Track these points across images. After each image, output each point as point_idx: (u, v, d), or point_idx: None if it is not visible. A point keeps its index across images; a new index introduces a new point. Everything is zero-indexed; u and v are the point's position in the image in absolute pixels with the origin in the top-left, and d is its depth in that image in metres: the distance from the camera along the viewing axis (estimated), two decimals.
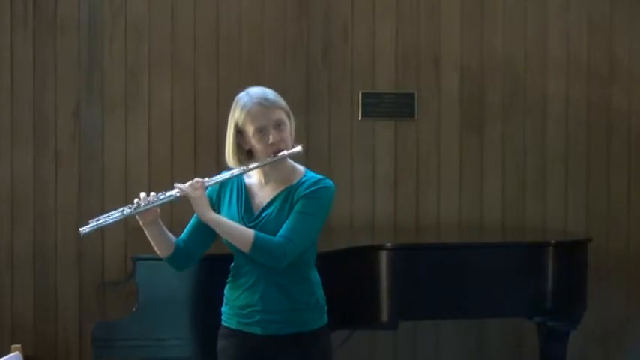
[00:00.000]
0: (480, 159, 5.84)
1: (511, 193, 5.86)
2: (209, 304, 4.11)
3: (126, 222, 5.36)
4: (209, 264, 4.08)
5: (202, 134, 5.58)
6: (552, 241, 4.77)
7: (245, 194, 3.29)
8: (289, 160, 3.30)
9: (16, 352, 3.83)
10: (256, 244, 3.13)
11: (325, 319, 3.31)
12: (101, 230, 5.37)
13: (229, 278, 3.34)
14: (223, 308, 3.34)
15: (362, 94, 5.72)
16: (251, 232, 3.16)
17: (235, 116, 3.27)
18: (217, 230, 3.19)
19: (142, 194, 3.22)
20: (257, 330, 3.23)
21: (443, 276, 4.57)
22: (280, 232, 3.17)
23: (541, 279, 4.68)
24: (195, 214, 3.30)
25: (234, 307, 3.29)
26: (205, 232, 3.29)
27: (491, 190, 5.84)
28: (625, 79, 5.94)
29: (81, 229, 3.26)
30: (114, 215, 3.23)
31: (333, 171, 5.43)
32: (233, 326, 3.29)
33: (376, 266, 4.46)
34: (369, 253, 4.47)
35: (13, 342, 5.11)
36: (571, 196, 5.91)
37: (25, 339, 5.35)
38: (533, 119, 5.87)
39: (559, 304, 4.73)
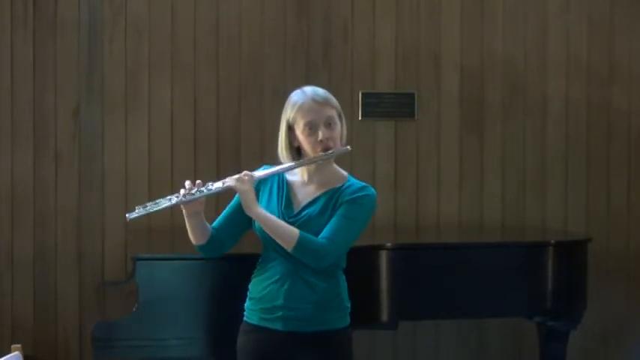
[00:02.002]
0: (480, 159, 5.84)
1: (511, 193, 5.86)
2: (209, 303, 4.12)
3: (126, 222, 5.44)
4: (209, 264, 4.09)
5: (202, 134, 5.58)
6: (552, 241, 4.76)
7: (287, 190, 3.30)
8: (334, 164, 3.32)
9: (16, 352, 3.83)
10: (300, 243, 3.14)
11: (348, 320, 3.32)
12: (101, 230, 5.49)
13: (255, 273, 3.34)
14: (246, 304, 3.35)
15: (362, 94, 5.72)
16: (296, 231, 3.16)
17: (287, 112, 3.28)
18: (262, 225, 3.19)
19: (187, 183, 3.20)
20: (278, 326, 3.24)
21: (443, 276, 4.57)
22: (323, 234, 3.18)
23: (541, 279, 4.68)
24: (230, 205, 3.30)
25: (257, 303, 3.29)
26: (239, 224, 3.31)
27: (491, 190, 5.84)
28: (625, 79, 5.94)
29: (127, 215, 3.25)
30: (161, 203, 3.22)
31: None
32: (255, 322, 3.29)
33: (376, 266, 4.46)
34: (369, 253, 4.46)
35: (13, 342, 5.11)
36: (571, 196, 5.91)
37: (25, 339, 5.35)
38: (533, 119, 5.87)
39: (559, 304, 4.73)
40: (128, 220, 3.27)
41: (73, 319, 5.48)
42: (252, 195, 3.18)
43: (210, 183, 3.21)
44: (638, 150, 5.95)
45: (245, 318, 3.34)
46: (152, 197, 5.45)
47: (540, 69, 5.87)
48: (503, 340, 5.84)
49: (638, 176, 5.95)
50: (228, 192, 3.25)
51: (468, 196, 5.82)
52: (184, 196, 3.18)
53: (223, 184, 3.20)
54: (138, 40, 5.54)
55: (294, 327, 3.22)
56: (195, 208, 3.22)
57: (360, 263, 4.36)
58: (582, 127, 5.91)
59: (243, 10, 5.63)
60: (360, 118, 5.72)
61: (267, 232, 3.19)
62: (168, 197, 3.22)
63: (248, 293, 3.35)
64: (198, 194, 3.18)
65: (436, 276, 4.56)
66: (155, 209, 3.22)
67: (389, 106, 5.75)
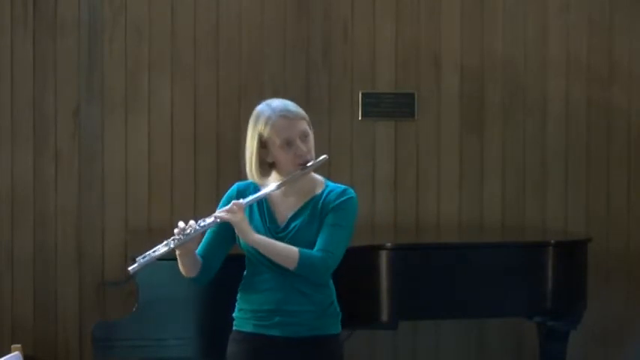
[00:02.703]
0: (480, 159, 5.84)
1: (511, 193, 5.86)
2: (209, 303, 4.12)
3: (126, 222, 5.46)
4: None
5: (202, 134, 5.58)
6: (552, 241, 4.76)
7: (267, 205, 3.28)
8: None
9: (16, 352, 3.82)
10: (302, 261, 3.14)
11: (339, 327, 3.32)
12: (101, 230, 5.49)
13: (242, 287, 3.32)
14: (236, 314, 3.32)
15: (362, 94, 5.72)
16: (295, 249, 3.15)
17: (258, 129, 3.25)
18: (262, 250, 3.17)
19: (181, 224, 3.19)
20: (276, 332, 3.22)
21: (443, 276, 4.57)
22: (319, 246, 3.18)
23: (541, 279, 4.68)
24: (210, 229, 3.29)
25: (250, 311, 3.27)
26: (224, 244, 3.30)
27: (492, 190, 5.84)
28: (625, 79, 5.94)
29: (130, 268, 3.24)
30: (159, 249, 3.20)
31: (333, 171, 5.42)
32: (249, 330, 3.26)
33: (376, 266, 4.46)
34: (369, 253, 4.46)
35: (13, 342, 5.10)
36: (571, 196, 5.91)
37: (25, 339, 5.35)
38: (533, 119, 5.87)
39: (559, 304, 4.73)
40: (131, 273, 3.27)
41: (73, 319, 5.48)
42: (246, 223, 3.18)
43: (201, 220, 3.20)
44: (638, 150, 5.95)
45: (235, 327, 3.31)
46: (152, 197, 5.50)
47: (540, 69, 5.87)
48: (503, 340, 5.84)
49: (638, 176, 5.95)
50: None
51: (467, 196, 5.82)
52: (180, 237, 3.17)
53: (215, 218, 3.20)
54: (138, 40, 5.54)
55: (292, 332, 3.21)
56: (191, 247, 3.22)
57: (360, 263, 4.38)
58: (582, 127, 5.91)
59: (243, 10, 5.63)
60: (360, 118, 5.72)
61: (266, 255, 3.18)
62: (165, 242, 3.20)
63: (237, 304, 3.34)
64: (193, 233, 3.18)
65: (436, 276, 4.56)
66: (155, 257, 3.21)
67: (389, 106, 5.75)
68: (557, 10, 5.88)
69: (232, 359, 3.30)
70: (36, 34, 5.45)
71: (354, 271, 4.35)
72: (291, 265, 3.15)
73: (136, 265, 3.21)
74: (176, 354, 4.13)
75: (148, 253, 3.21)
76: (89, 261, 5.49)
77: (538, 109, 5.87)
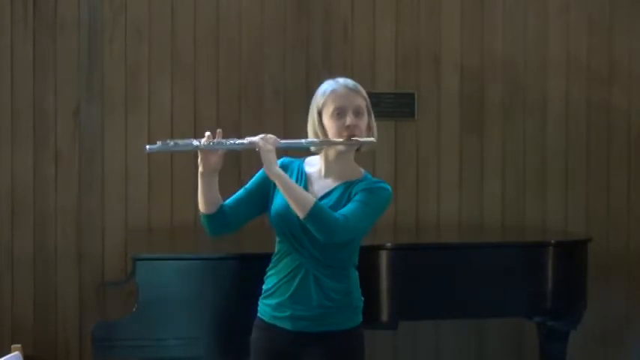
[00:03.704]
0: (480, 159, 5.84)
1: (511, 193, 5.86)
2: (209, 303, 4.12)
3: (126, 222, 5.46)
4: (209, 264, 4.09)
5: (202, 134, 5.56)
6: (552, 241, 4.77)
7: (304, 181, 3.29)
8: (353, 160, 3.32)
9: (16, 352, 3.82)
10: (314, 210, 3.09)
11: (359, 319, 3.32)
12: (101, 230, 5.48)
13: (269, 267, 3.32)
14: (260, 298, 3.33)
15: None
16: (312, 198, 3.14)
17: (317, 98, 3.30)
18: (280, 187, 3.14)
19: (208, 133, 3.19)
20: (287, 325, 3.24)
21: (443, 276, 4.56)
22: (339, 212, 3.15)
23: (541, 279, 4.68)
24: (246, 187, 3.29)
25: (268, 299, 3.29)
26: (251, 206, 3.30)
27: (491, 190, 5.84)
28: (625, 79, 5.94)
29: (147, 146, 3.20)
30: (184, 143, 3.20)
31: None
32: (267, 319, 3.29)
33: (376, 266, 4.46)
34: (369, 253, 4.46)
35: (13, 342, 5.09)
36: (571, 196, 5.91)
37: (25, 339, 5.35)
38: (533, 119, 5.87)
39: (559, 304, 4.73)
40: (147, 151, 3.22)
41: (73, 319, 5.48)
42: (273, 155, 3.15)
43: (233, 139, 3.21)
44: (638, 150, 5.95)
45: (259, 313, 3.34)
46: (152, 197, 5.49)
47: (540, 69, 5.87)
48: (503, 340, 5.84)
49: (638, 176, 5.95)
50: (252, 152, 3.21)
51: (467, 195, 5.82)
52: (208, 142, 3.16)
53: (247, 140, 3.18)
54: (138, 40, 5.54)
55: (303, 327, 3.22)
56: (213, 163, 3.21)
57: (360, 263, 4.38)
58: (582, 127, 5.91)
59: (243, 10, 5.63)
60: None
61: (284, 194, 3.14)
62: (191, 139, 3.20)
63: (263, 286, 3.34)
64: (221, 144, 3.16)
65: (436, 276, 4.56)
66: (176, 148, 3.21)
67: (389, 106, 5.75)
68: (557, 10, 5.88)
69: (253, 344, 3.33)
70: (36, 34, 5.45)
71: None
72: (304, 211, 3.10)
73: (155, 145, 3.18)
74: (176, 354, 4.13)
75: (169, 140, 3.19)
76: (89, 261, 5.48)
77: (538, 109, 5.87)
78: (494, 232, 5.70)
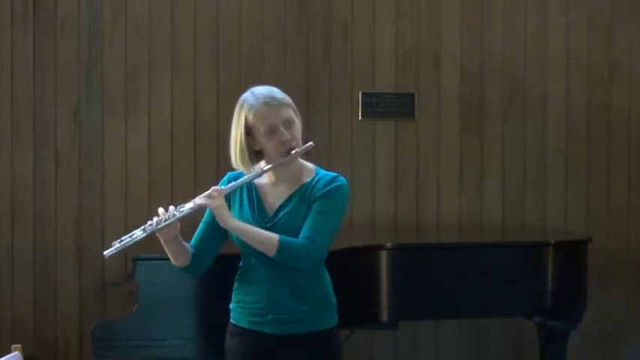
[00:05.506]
0: (480, 159, 5.84)
1: (511, 193, 5.85)
2: (209, 303, 4.12)
3: (126, 222, 5.45)
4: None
5: (202, 134, 5.58)
6: (552, 241, 4.77)
7: (256, 195, 3.28)
8: (300, 160, 3.30)
9: (16, 352, 3.83)
10: (282, 248, 3.12)
11: (336, 319, 3.31)
12: (101, 230, 5.49)
13: (237, 277, 3.32)
14: (232, 306, 3.32)
15: (362, 94, 5.72)
16: (275, 236, 3.14)
17: (242, 117, 3.25)
18: (241, 237, 3.17)
19: (160, 209, 3.19)
20: (268, 330, 3.22)
21: (443, 276, 4.57)
22: (302, 234, 3.16)
23: (541, 279, 4.68)
24: (203, 220, 3.30)
25: (244, 306, 3.27)
26: (216, 237, 3.29)
27: (491, 190, 5.84)
28: (625, 79, 5.94)
29: (105, 252, 3.23)
30: (136, 235, 3.19)
31: (333, 171, 5.43)
32: (244, 325, 3.27)
33: (376, 266, 4.46)
34: (369, 253, 4.46)
35: (13, 342, 5.10)
36: (571, 196, 5.91)
37: (25, 339, 5.35)
38: (533, 119, 5.87)
39: (559, 304, 4.73)
40: (106, 257, 3.25)
41: (73, 319, 5.48)
42: (225, 209, 3.17)
43: (180, 205, 3.20)
44: (638, 150, 5.95)
45: (232, 320, 3.31)
46: (152, 198, 5.49)
47: (540, 69, 5.87)
48: (503, 340, 5.84)
49: (638, 176, 5.95)
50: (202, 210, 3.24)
51: (467, 196, 5.82)
52: (157, 223, 3.16)
53: (194, 204, 3.19)
54: (138, 40, 5.54)
55: (285, 330, 3.21)
56: (171, 233, 3.20)
57: (360, 263, 4.38)
58: (582, 127, 5.91)
59: (243, 10, 5.63)
60: (360, 118, 5.72)
61: (246, 241, 3.17)
62: (142, 227, 3.19)
63: (233, 295, 3.33)
64: (171, 219, 3.16)
65: (436, 276, 4.56)
66: (132, 242, 3.20)
67: (389, 106, 5.74)
68: (557, 9, 5.88)
69: (230, 352, 3.31)
70: (36, 34, 5.46)
71: (354, 271, 4.36)
72: (271, 252, 3.12)
73: (111, 249, 3.20)
74: (176, 354, 4.13)
75: (124, 237, 3.20)
76: (89, 261, 5.48)
77: (538, 109, 5.87)
78: (495, 232, 5.70)
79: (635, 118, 5.94)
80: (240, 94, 5.75)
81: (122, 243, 3.21)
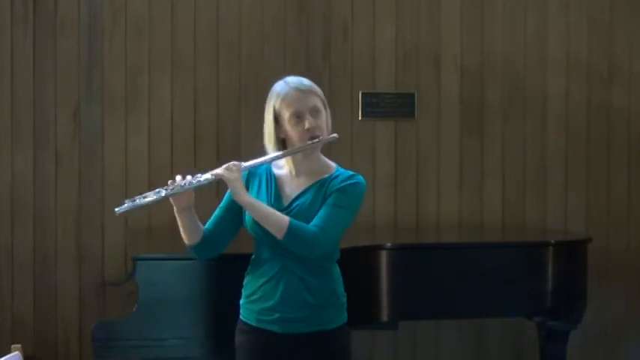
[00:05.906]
0: (480, 159, 5.84)
1: (511, 193, 5.86)
2: (209, 303, 4.12)
3: (126, 222, 5.45)
4: (209, 264, 4.09)
5: (202, 134, 5.58)
6: (552, 241, 4.77)
7: (275, 184, 3.28)
8: (322, 155, 3.31)
9: (16, 352, 3.82)
10: (291, 230, 3.10)
11: (345, 317, 3.31)
12: (101, 230, 5.48)
13: (248, 271, 3.32)
14: (241, 301, 3.32)
15: (362, 94, 5.72)
16: (286, 218, 3.13)
17: (272, 103, 3.27)
18: (252, 213, 3.16)
19: (178, 177, 3.18)
20: (276, 328, 3.22)
21: (443, 276, 4.57)
22: (314, 222, 3.15)
23: (541, 279, 4.68)
24: (220, 205, 3.29)
25: (253, 303, 3.27)
26: (231, 222, 3.29)
27: (491, 190, 5.84)
28: (625, 79, 5.94)
29: (116, 209, 3.22)
30: (150, 196, 3.18)
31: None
32: (252, 323, 3.27)
33: (376, 266, 4.46)
34: (369, 253, 4.46)
35: (13, 342, 5.10)
36: (571, 196, 5.91)
37: (25, 339, 5.35)
38: (533, 119, 5.87)
39: (559, 304, 4.73)
40: (117, 214, 3.24)
41: (73, 319, 5.48)
42: (240, 183, 3.16)
43: (198, 175, 3.20)
44: (638, 150, 5.95)
45: (242, 317, 3.32)
46: None
47: (540, 69, 5.87)
48: (503, 340, 5.84)
49: (638, 176, 5.95)
50: (221, 185, 3.23)
51: (467, 196, 5.82)
52: (172, 188, 3.16)
53: (212, 175, 3.18)
54: (138, 40, 5.54)
55: (292, 329, 3.21)
56: (185, 202, 3.19)
57: (360, 263, 4.38)
58: (582, 127, 5.91)
59: (243, 10, 5.63)
60: (360, 118, 5.72)
61: (257, 220, 3.15)
62: (156, 190, 3.19)
63: (243, 291, 3.34)
64: (187, 186, 3.16)
65: (436, 276, 4.56)
66: (144, 202, 3.19)
67: (389, 106, 5.75)
68: (557, 9, 5.88)
69: (239, 349, 3.31)
70: (36, 34, 5.46)
71: (354, 271, 4.36)
72: (280, 233, 3.11)
73: (123, 206, 3.19)
74: (176, 354, 4.13)
75: (137, 196, 3.19)
76: (89, 261, 5.49)
77: (538, 109, 5.87)
78: (495, 232, 5.70)
79: (635, 118, 5.94)
80: (240, 94, 5.81)
81: (134, 202, 3.19)
